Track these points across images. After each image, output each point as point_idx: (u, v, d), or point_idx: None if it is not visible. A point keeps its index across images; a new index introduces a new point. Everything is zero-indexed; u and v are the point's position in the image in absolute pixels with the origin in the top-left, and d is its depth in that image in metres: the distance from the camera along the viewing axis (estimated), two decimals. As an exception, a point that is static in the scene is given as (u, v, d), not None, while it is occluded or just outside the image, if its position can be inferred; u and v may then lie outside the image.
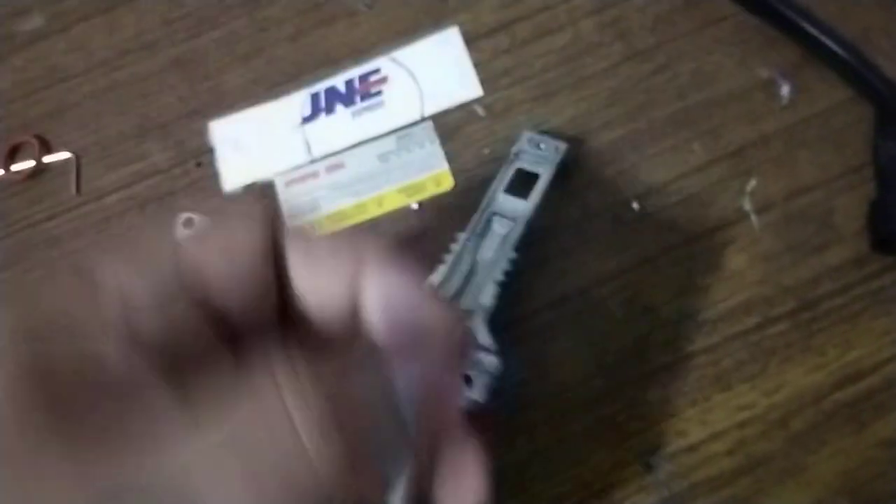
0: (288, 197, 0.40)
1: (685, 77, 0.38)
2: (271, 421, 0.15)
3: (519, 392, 0.34)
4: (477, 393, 0.31)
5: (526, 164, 0.36)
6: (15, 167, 0.43)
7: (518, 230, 0.34)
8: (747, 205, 0.35)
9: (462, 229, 0.35)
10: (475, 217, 0.35)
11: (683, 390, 0.33)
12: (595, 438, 0.33)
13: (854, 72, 0.35)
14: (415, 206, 0.38)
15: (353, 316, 0.18)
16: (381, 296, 0.18)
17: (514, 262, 0.34)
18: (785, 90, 0.36)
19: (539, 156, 0.36)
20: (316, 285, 0.18)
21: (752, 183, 0.35)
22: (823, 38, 0.36)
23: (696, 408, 0.32)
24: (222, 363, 0.18)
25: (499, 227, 0.35)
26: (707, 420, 0.32)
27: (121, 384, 0.16)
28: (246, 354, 0.18)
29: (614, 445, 0.32)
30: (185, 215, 0.39)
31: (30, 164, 0.43)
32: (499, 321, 0.32)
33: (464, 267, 0.34)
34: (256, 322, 0.18)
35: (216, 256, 0.18)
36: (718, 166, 0.36)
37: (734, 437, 0.32)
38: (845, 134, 0.35)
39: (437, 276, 0.34)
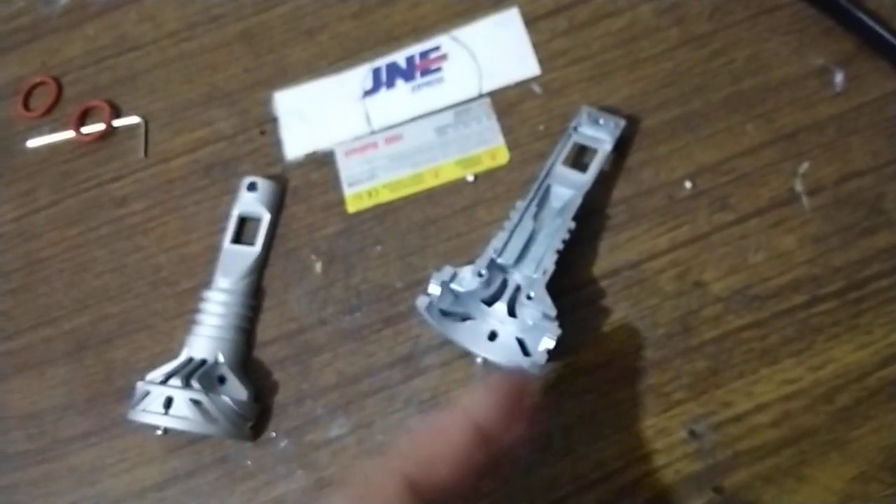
0: (346, 166, 0.41)
1: (740, 62, 0.38)
2: None
3: (570, 359, 0.35)
4: (539, 356, 0.32)
5: (584, 139, 0.37)
6: (85, 129, 0.45)
7: (577, 200, 0.35)
8: (799, 186, 0.36)
9: (520, 199, 0.36)
10: (534, 186, 0.36)
11: (730, 363, 0.33)
12: (641, 406, 0.34)
13: (910, 62, 0.36)
14: (470, 178, 0.39)
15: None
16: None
17: (571, 232, 0.35)
18: (839, 78, 0.37)
19: (597, 130, 0.37)
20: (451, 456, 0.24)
21: (805, 166, 0.36)
22: (878, 29, 0.37)
23: (742, 380, 0.33)
24: None
25: (557, 198, 0.36)
26: (753, 392, 0.33)
27: None
28: None
29: (660, 414, 0.33)
30: (248, 179, 0.41)
31: (99, 127, 0.45)
32: (555, 289, 0.34)
33: (524, 233, 0.35)
34: None
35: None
36: (771, 149, 0.37)
37: (779, 410, 0.32)
38: (898, 122, 0.36)
39: (497, 242, 0.35)
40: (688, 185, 0.37)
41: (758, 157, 0.37)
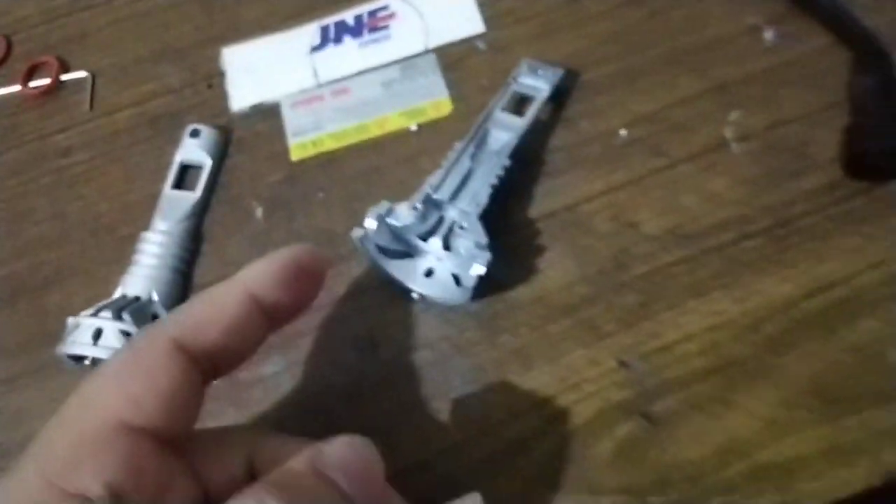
0: (292, 117, 0.43)
1: (677, 22, 0.41)
2: None
3: (503, 293, 0.36)
4: (469, 280, 0.34)
5: (523, 88, 0.39)
6: (32, 83, 0.46)
7: (512, 141, 0.37)
8: (729, 133, 0.38)
9: (459, 140, 0.38)
10: (473, 128, 0.38)
11: (660, 297, 0.35)
12: (573, 338, 0.35)
13: (835, 20, 0.39)
14: (414, 128, 0.41)
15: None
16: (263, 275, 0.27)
17: (507, 170, 0.37)
18: (770, 35, 0.40)
19: (536, 80, 0.39)
20: (223, 321, 0.26)
21: (735, 114, 0.38)
22: (808, -9, 0.39)
23: (671, 312, 0.35)
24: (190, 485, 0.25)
25: (495, 140, 0.38)
26: (681, 323, 0.34)
27: None
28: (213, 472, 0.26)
29: (591, 345, 0.35)
30: (191, 126, 0.42)
31: (46, 81, 0.46)
32: (490, 222, 0.35)
33: (461, 170, 0.37)
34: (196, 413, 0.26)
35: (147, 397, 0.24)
36: (703, 99, 0.39)
37: (707, 339, 0.34)
38: (825, 75, 0.38)
39: (434, 178, 0.36)
40: (623, 133, 0.39)
41: (690, 107, 0.39)
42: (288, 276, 0.27)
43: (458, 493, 0.32)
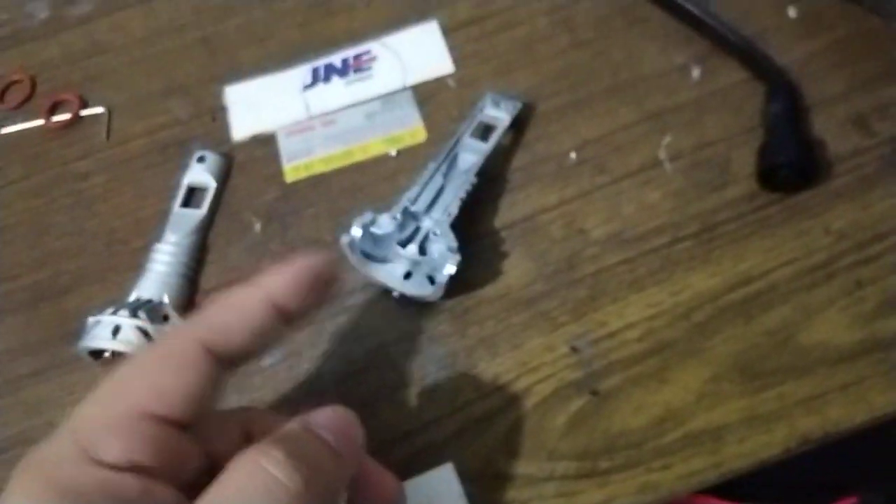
0: (287, 144, 0.45)
1: (617, 60, 0.45)
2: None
3: (472, 291, 0.39)
4: (442, 279, 0.36)
5: (487, 118, 0.43)
6: (55, 118, 0.49)
7: (479, 162, 0.40)
8: (662, 154, 0.41)
9: (432, 161, 0.41)
10: (444, 151, 0.41)
11: (606, 292, 0.38)
12: (532, 328, 0.38)
13: (751, 59, 0.43)
14: (393, 153, 0.44)
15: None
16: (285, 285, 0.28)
17: (474, 186, 0.40)
18: (696, 72, 0.43)
19: (498, 111, 0.43)
20: (247, 328, 0.27)
21: (667, 138, 0.42)
22: (728, 35, 0.43)
23: (615, 305, 0.37)
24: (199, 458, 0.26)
25: (464, 161, 0.41)
26: (623, 314, 0.37)
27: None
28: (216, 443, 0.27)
29: (548, 333, 0.37)
30: (199, 153, 0.45)
31: (67, 115, 0.49)
32: (460, 231, 0.38)
33: (435, 186, 0.40)
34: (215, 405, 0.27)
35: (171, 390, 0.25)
36: (640, 125, 0.42)
37: (645, 327, 0.37)
38: (742, 104, 0.42)
39: (411, 193, 0.39)
40: (573, 155, 0.42)
41: (630, 132, 0.42)
42: (305, 283, 0.28)
43: (433, 464, 0.35)
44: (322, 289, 0.29)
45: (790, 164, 0.38)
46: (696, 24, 0.44)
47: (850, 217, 0.38)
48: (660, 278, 0.38)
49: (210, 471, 0.27)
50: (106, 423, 0.24)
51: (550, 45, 0.46)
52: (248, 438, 0.29)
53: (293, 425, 0.26)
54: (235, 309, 0.27)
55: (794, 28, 0.44)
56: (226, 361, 0.27)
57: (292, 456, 0.24)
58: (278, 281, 0.28)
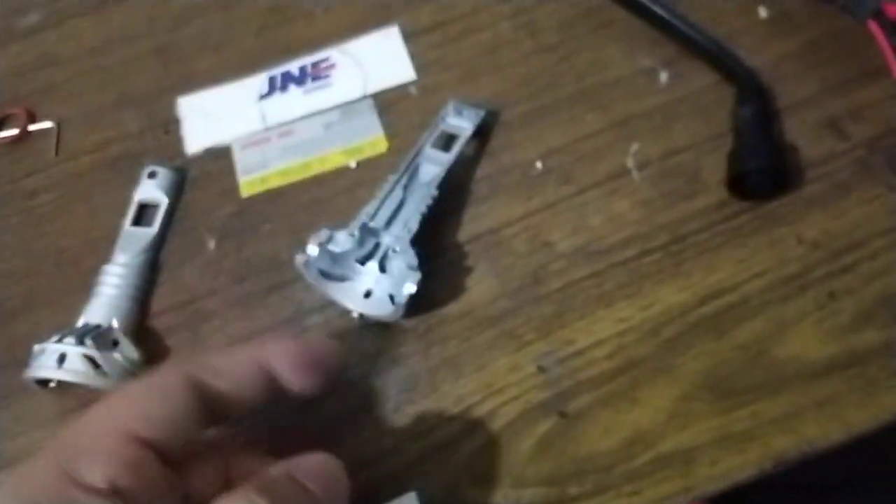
0: (242, 157, 0.43)
1: (582, 66, 0.43)
2: None
3: (435, 309, 0.37)
4: (402, 298, 0.35)
5: (449, 127, 0.41)
6: (1, 134, 0.47)
7: (441, 174, 0.39)
8: (630, 163, 0.40)
9: (392, 173, 0.39)
10: (405, 162, 0.39)
11: (573, 307, 0.36)
12: (497, 347, 0.36)
13: (720, 61, 0.41)
14: (353, 164, 0.42)
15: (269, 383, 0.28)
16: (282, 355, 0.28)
17: (435, 199, 0.38)
18: (664, 76, 0.42)
19: (461, 120, 0.41)
20: (239, 390, 0.28)
21: (635, 146, 0.40)
22: (697, 37, 0.42)
23: (583, 321, 0.36)
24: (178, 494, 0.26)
25: (425, 173, 0.39)
26: (592, 330, 0.35)
27: None
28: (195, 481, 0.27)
29: (513, 353, 0.36)
30: (149, 168, 0.43)
31: (15, 131, 0.46)
32: (421, 246, 0.36)
33: (395, 200, 0.38)
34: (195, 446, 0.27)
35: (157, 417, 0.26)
36: (607, 133, 0.41)
37: (614, 344, 0.35)
38: (712, 109, 0.40)
39: (369, 208, 0.37)
40: (538, 164, 0.40)
41: (596, 140, 0.41)
42: (304, 363, 0.29)
43: (395, 492, 0.33)
44: (320, 375, 0.29)
45: (761, 171, 0.36)
46: (663, 27, 0.43)
47: (823, 225, 0.37)
48: (629, 292, 0.36)
49: None
50: (89, 443, 0.25)
51: (514, 51, 0.44)
52: (227, 481, 0.28)
53: (278, 472, 0.26)
54: (229, 358, 0.28)
55: (765, 29, 0.43)
56: (210, 403, 0.27)
57: None
58: (280, 350, 0.28)
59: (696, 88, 0.41)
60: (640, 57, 0.43)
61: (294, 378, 0.29)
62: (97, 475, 0.24)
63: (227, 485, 0.28)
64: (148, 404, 0.26)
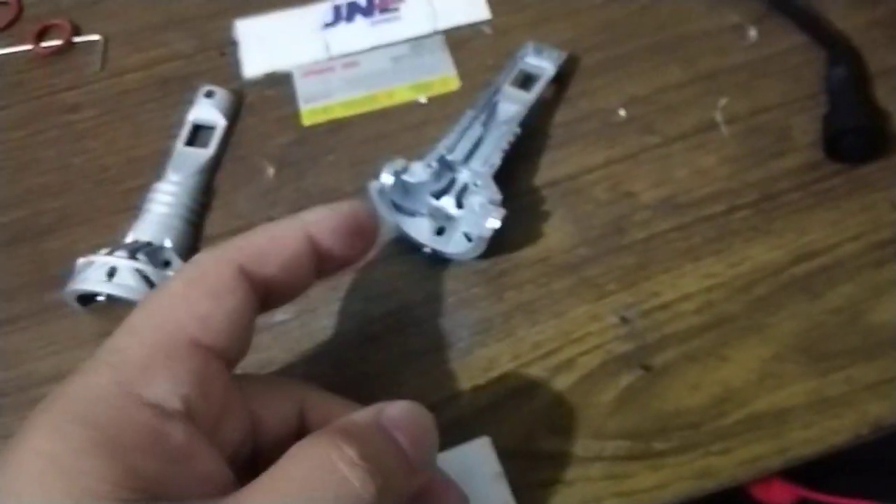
0: (303, 85, 0.40)
1: (665, 16, 0.41)
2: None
3: (509, 253, 0.34)
4: (486, 232, 0.32)
5: (529, 67, 0.38)
6: (44, 44, 0.43)
7: (521, 112, 0.36)
8: (718, 117, 0.37)
9: (469, 108, 0.36)
10: (483, 99, 0.36)
11: (657, 260, 0.34)
12: (576, 295, 0.33)
13: (810, 23, 0.39)
14: (422, 100, 0.39)
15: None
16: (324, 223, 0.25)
17: (517, 136, 0.35)
18: (751, 33, 0.40)
19: (540, 60, 0.38)
20: (283, 258, 0.24)
21: (723, 101, 0.38)
22: (786, -4, 0.39)
23: (668, 274, 0.33)
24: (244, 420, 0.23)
25: (504, 112, 0.36)
26: (678, 284, 0.33)
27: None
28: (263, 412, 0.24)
29: (594, 302, 0.33)
30: (206, 87, 0.39)
31: (57, 42, 0.43)
32: (501, 183, 0.33)
33: (473, 135, 0.35)
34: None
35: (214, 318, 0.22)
36: (693, 85, 0.38)
37: (702, 299, 0.33)
38: (802, 70, 0.38)
39: (447, 140, 0.35)
40: (621, 112, 0.38)
41: (681, 92, 0.38)
42: (346, 227, 0.25)
43: (464, 438, 0.30)
44: (362, 239, 0.26)
45: (859, 131, 0.34)
46: (753, -17, 0.40)
47: (917, 193, 0.35)
48: (717, 248, 0.34)
49: (254, 448, 0.23)
50: (147, 354, 0.21)
51: (591, -2, 0.42)
52: (302, 419, 0.25)
53: (365, 418, 0.22)
54: (272, 237, 0.24)
55: (854, -5, 0.40)
56: (260, 291, 0.23)
57: (367, 458, 0.20)
58: (319, 218, 0.25)
59: (785, 48, 0.39)
60: (726, 12, 0.40)
61: (340, 246, 0.25)
62: (168, 394, 0.20)
63: (304, 427, 0.24)
64: (202, 305, 0.22)
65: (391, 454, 0.21)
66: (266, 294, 0.24)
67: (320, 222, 0.25)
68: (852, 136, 0.34)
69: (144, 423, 0.20)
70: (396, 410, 0.22)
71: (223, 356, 0.22)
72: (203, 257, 0.24)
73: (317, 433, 0.21)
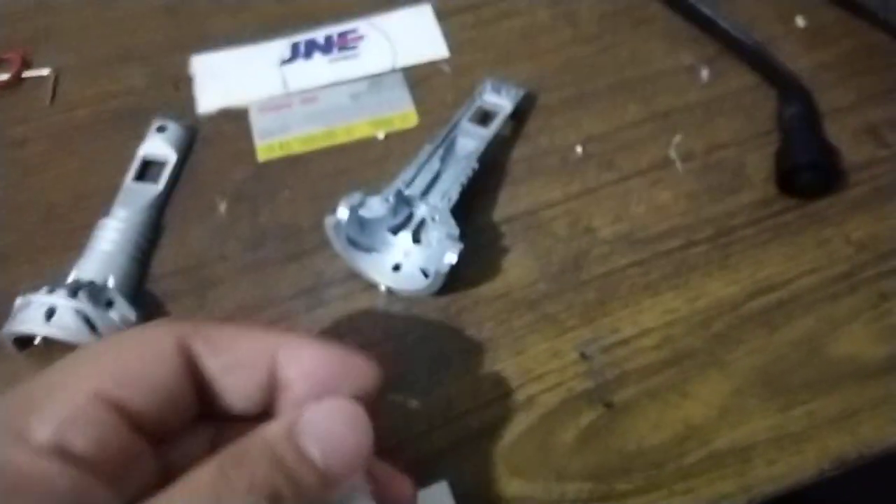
0: (260, 120, 0.39)
1: (623, 58, 0.41)
2: None
3: (468, 289, 0.33)
4: (443, 268, 0.31)
5: (487, 104, 0.38)
6: (-9, 77, 0.42)
7: (480, 147, 0.35)
8: (673, 154, 0.37)
9: (428, 143, 0.35)
10: (441, 134, 0.36)
11: (617, 295, 0.33)
12: (537, 332, 0.32)
13: (762, 63, 0.39)
14: (381, 135, 0.39)
15: (272, 392, 0.22)
16: (301, 368, 0.22)
17: (476, 171, 0.35)
18: (705, 73, 0.40)
19: (499, 98, 0.38)
20: (235, 382, 0.22)
21: (678, 138, 0.38)
22: (739, 37, 0.40)
23: (627, 309, 0.33)
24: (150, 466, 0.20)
25: (462, 147, 0.36)
26: (637, 320, 0.32)
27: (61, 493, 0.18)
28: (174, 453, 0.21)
29: (554, 338, 0.32)
30: (159, 122, 0.38)
31: (6, 76, 0.41)
32: (460, 218, 0.33)
33: (432, 169, 0.34)
34: (179, 425, 0.21)
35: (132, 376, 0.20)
36: (649, 124, 0.38)
37: (662, 335, 0.32)
38: (753, 108, 0.39)
39: (405, 175, 0.34)
40: (578, 149, 0.38)
41: (638, 130, 0.38)
42: (325, 380, 0.22)
43: (423, 481, 0.29)
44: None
45: (812, 166, 0.35)
46: (706, 25, 0.41)
47: (868, 228, 0.35)
48: (675, 283, 0.33)
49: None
50: (45, 398, 0.19)
51: (552, 38, 0.42)
52: (216, 448, 0.22)
53: (273, 432, 0.20)
54: (234, 333, 0.22)
55: (803, 38, 0.41)
56: (197, 384, 0.21)
57: (257, 486, 0.18)
58: (295, 344, 0.22)
59: (737, 87, 0.40)
60: (681, 53, 0.41)
61: (304, 393, 0.22)
62: (49, 433, 0.19)
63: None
64: (124, 361, 0.21)
65: (295, 471, 0.19)
66: (203, 393, 0.22)
67: (298, 356, 0.22)
68: (805, 172, 0.35)
69: (22, 461, 0.18)
70: (316, 413, 0.20)
71: (136, 413, 0.20)
72: (155, 322, 0.22)
73: (207, 460, 0.19)
